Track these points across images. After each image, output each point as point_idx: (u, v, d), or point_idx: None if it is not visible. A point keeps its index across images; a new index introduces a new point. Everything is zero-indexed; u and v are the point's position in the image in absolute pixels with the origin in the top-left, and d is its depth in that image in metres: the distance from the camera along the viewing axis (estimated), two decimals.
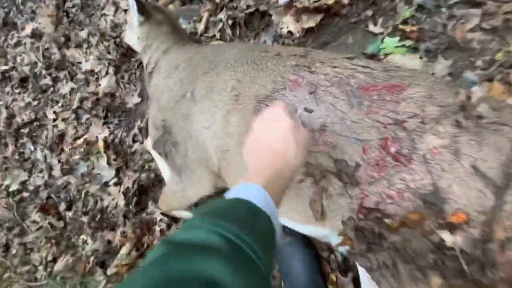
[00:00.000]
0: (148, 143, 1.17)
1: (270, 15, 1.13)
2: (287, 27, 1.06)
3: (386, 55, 0.92)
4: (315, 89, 0.67)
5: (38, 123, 1.98)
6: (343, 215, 0.64)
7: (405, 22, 0.94)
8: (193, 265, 0.26)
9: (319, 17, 1.02)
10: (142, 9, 1.17)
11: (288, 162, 0.46)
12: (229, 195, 0.40)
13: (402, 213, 0.56)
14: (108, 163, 1.53)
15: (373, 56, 0.93)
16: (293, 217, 0.73)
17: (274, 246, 0.39)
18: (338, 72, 0.66)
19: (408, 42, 0.91)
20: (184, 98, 0.90)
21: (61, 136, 1.81)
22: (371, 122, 0.60)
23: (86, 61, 1.85)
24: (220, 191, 1.09)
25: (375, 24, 0.98)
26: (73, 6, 2.09)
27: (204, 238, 0.31)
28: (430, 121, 0.56)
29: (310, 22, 1.02)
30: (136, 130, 1.55)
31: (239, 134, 0.76)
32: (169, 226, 1.22)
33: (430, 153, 0.54)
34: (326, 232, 0.72)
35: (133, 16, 1.22)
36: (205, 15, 1.31)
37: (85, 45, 1.90)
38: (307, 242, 0.99)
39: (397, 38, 0.92)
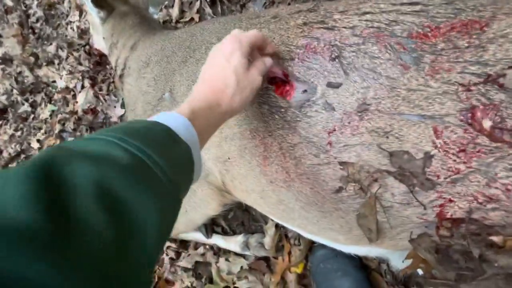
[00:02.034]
0: None
1: None
2: None
3: None
4: (339, 53, 0.44)
5: (24, 155, 1.82)
6: (412, 231, 0.43)
7: None
8: (82, 170, 0.23)
9: None
10: (99, 2, 0.95)
11: (220, 102, 0.41)
12: (149, 119, 0.36)
13: None
14: None
15: None
16: (334, 238, 0.52)
17: (189, 179, 0.36)
18: (372, 20, 0.44)
19: None
20: (162, 100, 0.69)
21: None
22: (442, 86, 0.38)
23: (60, 78, 1.65)
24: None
25: None
26: (37, 20, 1.88)
27: (106, 150, 0.27)
28: None
29: None
30: None
31: (240, 135, 0.55)
32: (178, 253, 1.03)
33: None
34: (384, 252, 0.52)
35: (91, 13, 1.01)
36: None
37: (56, 61, 1.71)
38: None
39: None
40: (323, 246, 0.69)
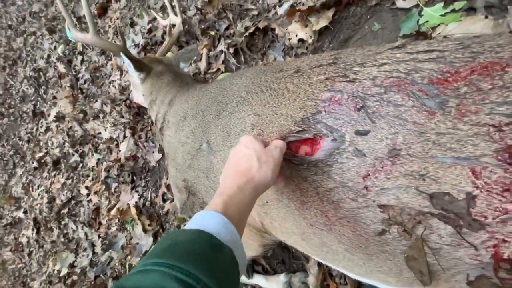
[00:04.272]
0: (178, 208, 1.04)
1: (273, 29, 0.99)
2: (296, 36, 0.90)
3: (433, 29, 0.71)
4: (363, 103, 0.48)
5: (74, 201, 2.01)
6: (468, 273, 0.41)
7: None
8: None
9: (330, 13, 0.86)
10: (139, 65, 1.10)
11: (251, 178, 0.46)
12: (190, 224, 0.40)
13: None
14: (144, 230, 1.43)
15: (419, 36, 0.72)
16: (384, 280, 0.51)
17: (237, 281, 0.38)
18: (391, 70, 0.47)
19: (458, 4, 0.69)
20: (200, 150, 0.77)
21: (97, 210, 1.80)
22: (472, 128, 0.39)
23: (105, 130, 1.86)
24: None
25: None
26: (85, 82, 2.18)
27: (159, 283, 0.30)
28: None
29: (322, 21, 0.86)
30: (164, 189, 1.46)
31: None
32: None
33: None
34: None
35: (132, 75, 1.16)
36: (204, 51, 1.21)
37: (101, 115, 1.93)
38: None
39: (441, 5, 0.71)
40: (372, 286, 0.67)
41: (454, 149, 0.40)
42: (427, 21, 0.73)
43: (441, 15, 0.71)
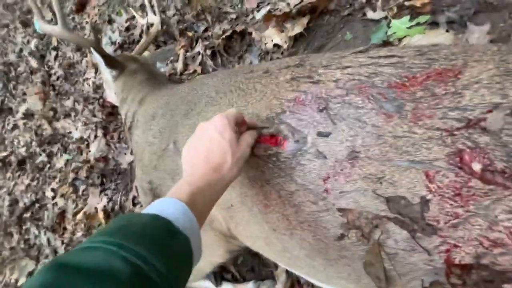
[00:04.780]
0: None
1: (250, 33, 0.99)
2: (272, 41, 0.91)
3: (399, 40, 0.73)
4: (326, 104, 0.47)
5: (38, 204, 1.87)
6: (423, 279, 0.41)
7: None
8: None
9: (305, 20, 0.87)
10: (111, 62, 1.06)
11: (222, 176, 0.44)
12: (148, 209, 0.38)
13: None
14: None
15: (387, 45, 0.74)
16: (344, 286, 0.50)
17: (189, 270, 0.38)
18: (353, 73, 0.47)
19: (423, 18, 0.72)
20: (167, 151, 0.73)
21: (62, 214, 1.68)
22: (426, 131, 0.40)
23: (76, 129, 1.77)
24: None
25: (374, 10, 0.81)
26: (58, 78, 2.08)
27: (103, 262, 0.28)
28: None
29: (297, 28, 0.87)
30: (134, 192, 1.39)
31: (240, 183, 0.56)
32: None
33: None
34: None
35: (104, 72, 1.12)
36: (181, 52, 1.19)
37: (73, 114, 1.84)
38: None
39: (407, 18, 0.74)
40: None
41: (409, 153, 0.40)
42: (394, 33, 0.75)
43: (407, 28, 0.74)
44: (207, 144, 0.45)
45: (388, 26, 0.77)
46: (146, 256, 0.30)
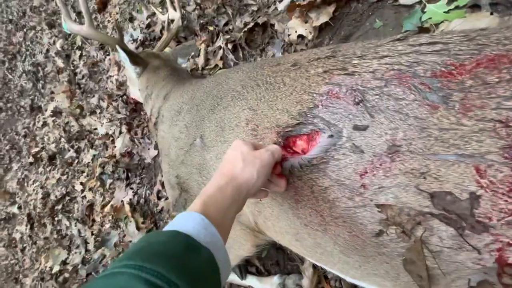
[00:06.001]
0: (170, 205, 1.02)
1: (272, 25, 0.97)
2: (296, 32, 0.88)
3: (436, 25, 0.69)
4: (362, 97, 0.45)
5: (69, 197, 1.98)
6: (470, 278, 0.39)
7: None
8: None
9: (331, 9, 0.84)
10: (135, 59, 1.08)
11: (232, 177, 0.44)
12: (168, 226, 0.38)
13: None
14: (137, 228, 1.41)
15: (422, 32, 0.70)
16: (380, 283, 0.49)
17: (216, 282, 0.36)
18: (392, 63, 0.45)
19: (462, 1, 0.67)
20: (193, 146, 0.74)
21: (91, 206, 1.77)
22: (477, 123, 0.37)
23: (101, 125, 1.84)
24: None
25: None
26: (83, 77, 2.16)
27: (126, 286, 0.28)
28: None
29: (322, 17, 0.83)
30: (159, 186, 1.43)
31: None
32: None
33: None
34: None
35: (129, 69, 1.14)
36: (202, 47, 1.19)
37: (98, 111, 1.91)
38: None
39: (444, 1, 0.69)
40: None
41: (457, 146, 0.37)
42: (430, 18, 0.71)
43: (444, 12, 0.69)
44: (222, 163, 0.48)
45: (423, 11, 0.72)
46: (167, 276, 0.30)
